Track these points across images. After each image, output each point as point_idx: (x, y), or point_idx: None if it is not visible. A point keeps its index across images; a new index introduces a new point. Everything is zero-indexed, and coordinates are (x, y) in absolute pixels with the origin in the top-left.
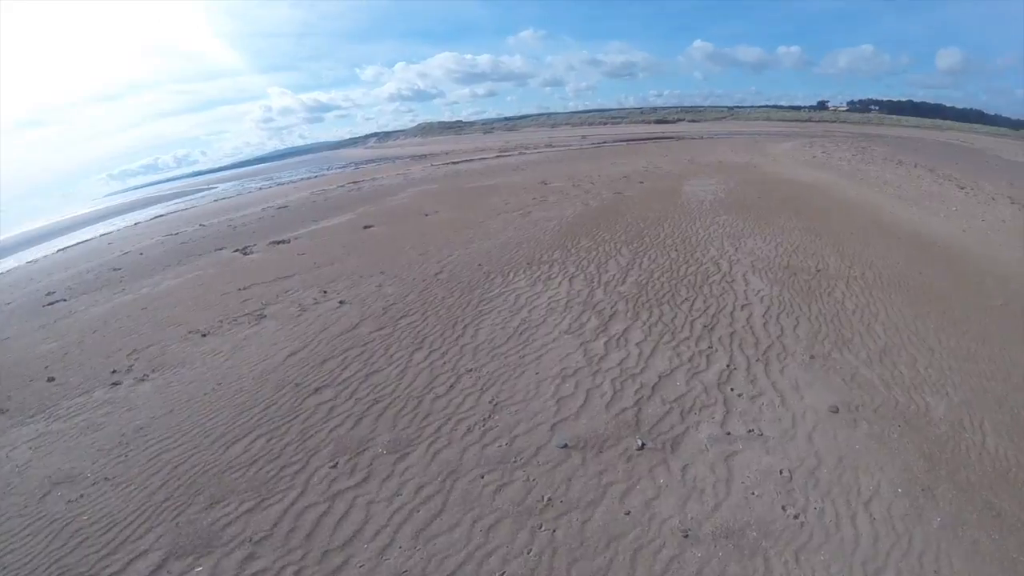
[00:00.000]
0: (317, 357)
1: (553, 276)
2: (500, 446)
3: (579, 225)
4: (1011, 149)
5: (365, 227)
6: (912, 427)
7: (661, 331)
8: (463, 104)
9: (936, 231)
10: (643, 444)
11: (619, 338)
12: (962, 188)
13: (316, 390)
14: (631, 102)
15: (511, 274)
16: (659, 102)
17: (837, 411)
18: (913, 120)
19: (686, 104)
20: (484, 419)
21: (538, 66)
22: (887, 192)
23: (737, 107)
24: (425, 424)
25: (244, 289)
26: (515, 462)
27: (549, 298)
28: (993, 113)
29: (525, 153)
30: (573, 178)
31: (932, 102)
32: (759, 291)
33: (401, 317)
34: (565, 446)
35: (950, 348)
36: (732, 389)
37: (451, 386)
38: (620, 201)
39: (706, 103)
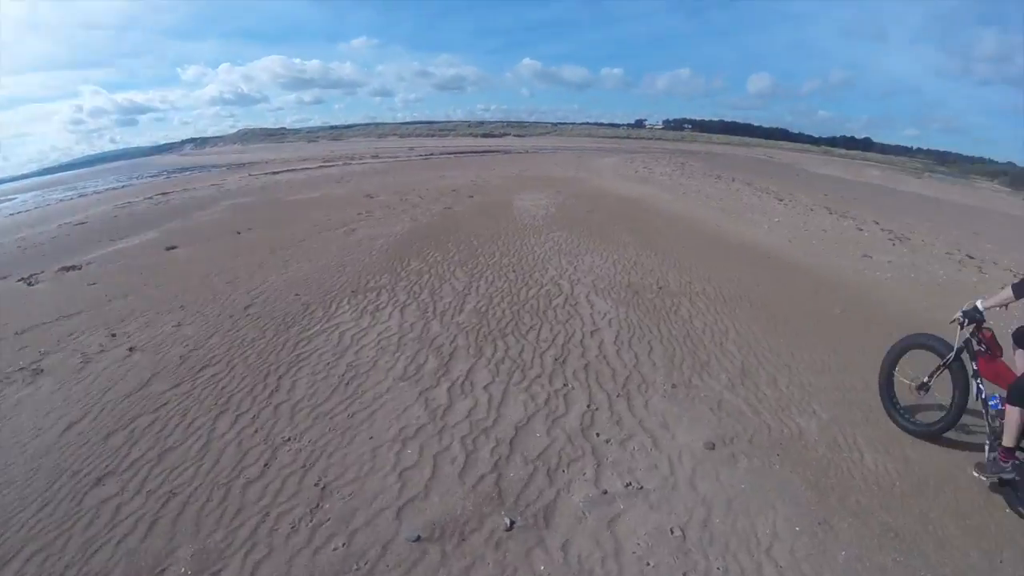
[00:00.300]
0: (100, 430)
1: (382, 306)
2: (336, 548)
3: (409, 244)
4: (815, 162)
5: (168, 248)
6: (791, 455)
7: (510, 369)
8: (288, 110)
9: (765, 242)
10: (512, 522)
11: (463, 382)
12: (781, 200)
13: (98, 480)
14: (459, 115)
15: (334, 305)
16: (486, 116)
17: (713, 447)
18: (723, 137)
19: (512, 119)
20: (311, 510)
21: (368, 75)
22: (711, 206)
23: (561, 123)
24: (237, 524)
25: (21, 333)
26: (358, 570)
27: (379, 334)
28: (796, 131)
29: (350, 164)
30: (401, 191)
31: (742, 121)
32: (605, 314)
33: (202, 368)
34: (418, 539)
35: (805, 362)
36: (598, 434)
37: (266, 465)
38: (451, 217)
39: (531, 118)
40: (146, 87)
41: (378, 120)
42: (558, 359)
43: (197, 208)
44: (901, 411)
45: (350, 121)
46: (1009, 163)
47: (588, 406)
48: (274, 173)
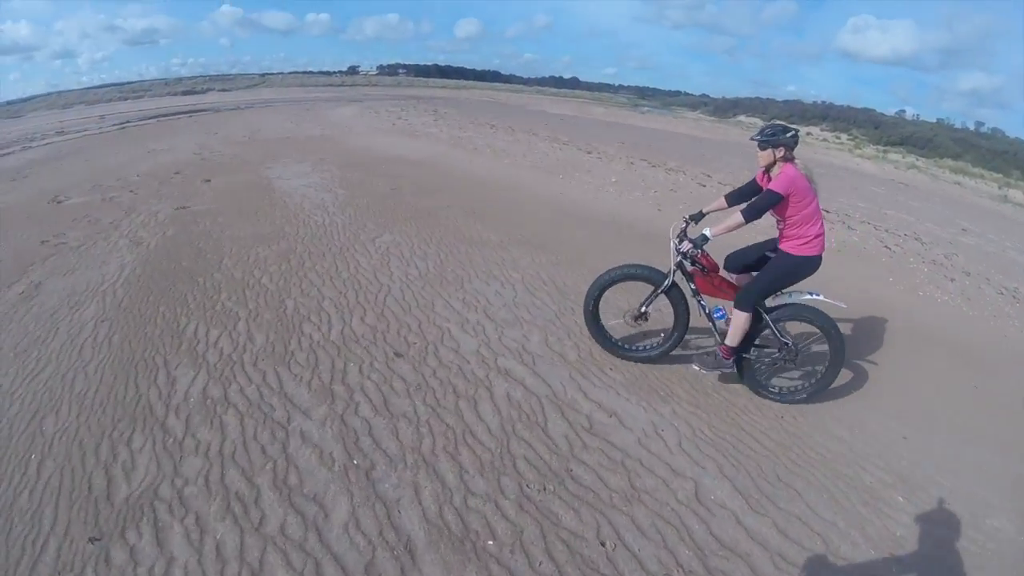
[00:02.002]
0: None
1: None
2: None
3: (141, 315)
4: (542, 103)
5: None
6: None
7: None
8: None
9: (620, 210)
10: None
11: None
12: (588, 153)
13: None
14: (153, 73)
15: None
16: (183, 72)
17: None
18: (439, 81)
19: (212, 73)
20: None
21: (47, 34)
22: (523, 164)
23: (268, 74)
24: None
25: None
26: None
27: None
28: (508, 73)
29: (30, 147)
30: (100, 185)
31: (455, 65)
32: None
33: None
34: None
35: None
36: None
37: None
38: (192, 225)
39: (233, 71)
40: None
41: (61, 88)
42: None
43: None
44: (620, 344)
45: (28, 93)
46: (703, 95)
47: None
48: None
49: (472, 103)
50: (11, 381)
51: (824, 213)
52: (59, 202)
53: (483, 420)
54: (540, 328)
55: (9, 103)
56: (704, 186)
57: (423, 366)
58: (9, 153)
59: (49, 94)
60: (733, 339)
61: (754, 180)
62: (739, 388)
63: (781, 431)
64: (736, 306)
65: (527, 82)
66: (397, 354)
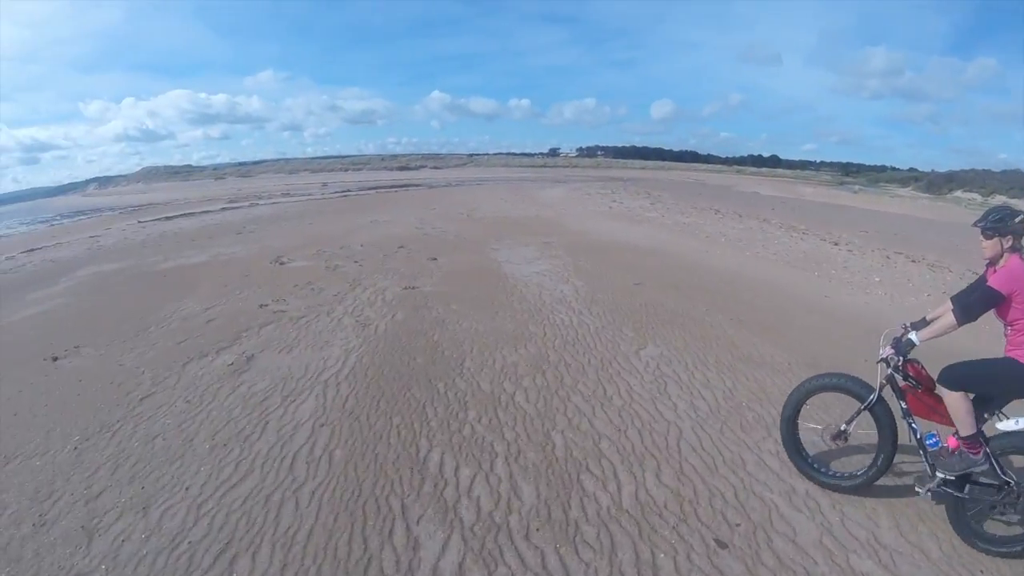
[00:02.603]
0: None
1: None
2: None
3: (371, 426)
4: (745, 183)
5: None
6: None
7: None
8: (195, 147)
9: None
10: None
11: None
12: (836, 244)
13: None
14: (371, 149)
15: None
16: (398, 149)
17: None
18: (637, 162)
19: (424, 151)
20: None
21: (276, 109)
22: (765, 257)
23: (474, 154)
24: None
25: None
26: None
27: None
28: (705, 153)
29: (258, 204)
30: (323, 249)
31: (652, 146)
32: None
33: None
34: None
35: None
36: None
37: None
38: (422, 310)
39: (443, 150)
40: (47, 122)
41: (288, 156)
42: None
43: (41, 281)
44: (813, 463)
45: (259, 157)
46: (911, 168)
47: None
48: (167, 219)
49: (677, 184)
50: (200, 486)
51: None
52: (282, 263)
53: None
54: (886, 507)
55: (242, 164)
56: None
57: (758, 566)
58: (238, 207)
59: (277, 160)
60: (966, 426)
61: (983, 276)
62: None
63: None
64: (940, 380)
65: (726, 161)
66: (720, 543)
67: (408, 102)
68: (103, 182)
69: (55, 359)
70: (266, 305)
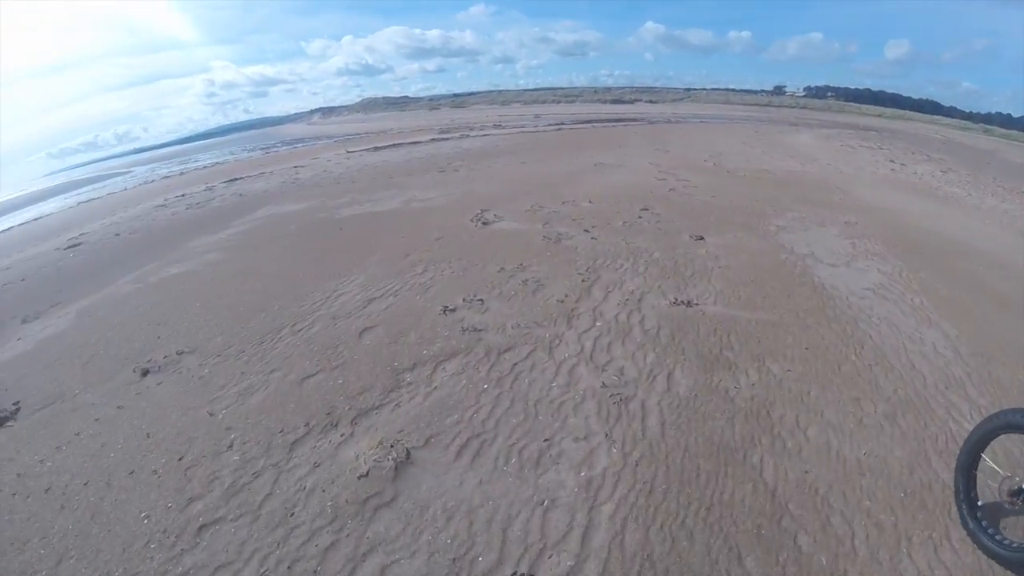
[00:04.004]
0: None
1: None
2: None
3: None
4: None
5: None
6: None
7: None
8: (412, 80)
9: None
10: None
11: None
12: None
13: None
14: (582, 81)
15: None
16: (610, 82)
17: None
18: (873, 108)
19: (637, 85)
20: None
21: (489, 43)
22: None
23: (691, 89)
24: None
25: None
26: None
27: None
28: (948, 105)
29: (468, 135)
30: (538, 201)
31: (889, 91)
32: None
33: None
34: None
35: None
36: None
37: None
38: (717, 367)
39: (656, 84)
40: (274, 61)
41: (501, 87)
42: None
43: (214, 223)
44: (988, 529)
45: (473, 89)
46: None
47: None
48: (376, 148)
49: (938, 143)
50: None
51: None
52: (485, 223)
53: None
54: None
55: (456, 95)
56: None
57: None
58: (447, 139)
59: (490, 91)
60: None
61: None
62: None
63: None
64: None
65: (971, 117)
66: None
67: (620, 34)
68: (326, 112)
69: (145, 373)
70: (454, 309)
